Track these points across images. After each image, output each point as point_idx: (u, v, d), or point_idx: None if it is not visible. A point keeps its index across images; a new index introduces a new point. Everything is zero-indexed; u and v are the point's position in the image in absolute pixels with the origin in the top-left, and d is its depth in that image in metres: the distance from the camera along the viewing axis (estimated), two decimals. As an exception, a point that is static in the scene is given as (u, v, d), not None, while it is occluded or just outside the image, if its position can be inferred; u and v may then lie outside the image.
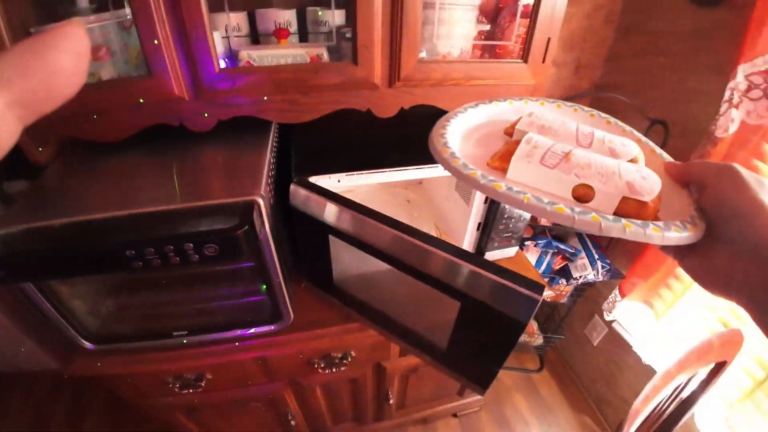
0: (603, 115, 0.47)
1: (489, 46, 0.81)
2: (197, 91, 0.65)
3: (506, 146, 0.38)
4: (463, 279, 0.55)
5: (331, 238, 0.67)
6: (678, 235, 0.29)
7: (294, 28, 0.77)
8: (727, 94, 0.85)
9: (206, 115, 0.67)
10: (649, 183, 0.32)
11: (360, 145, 0.81)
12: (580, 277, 1.30)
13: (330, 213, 0.64)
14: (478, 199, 0.81)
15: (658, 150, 0.41)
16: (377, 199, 1.05)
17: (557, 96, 1.29)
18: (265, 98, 0.68)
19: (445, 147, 0.37)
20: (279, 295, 0.69)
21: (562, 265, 1.37)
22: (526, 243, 1.32)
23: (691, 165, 0.35)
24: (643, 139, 0.43)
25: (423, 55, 0.75)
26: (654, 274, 1.14)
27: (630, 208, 0.32)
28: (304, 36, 0.79)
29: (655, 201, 0.33)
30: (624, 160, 0.37)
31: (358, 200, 0.63)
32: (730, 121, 0.85)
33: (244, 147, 0.72)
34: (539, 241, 1.31)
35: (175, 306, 0.77)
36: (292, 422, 1.08)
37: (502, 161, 0.37)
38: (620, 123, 0.46)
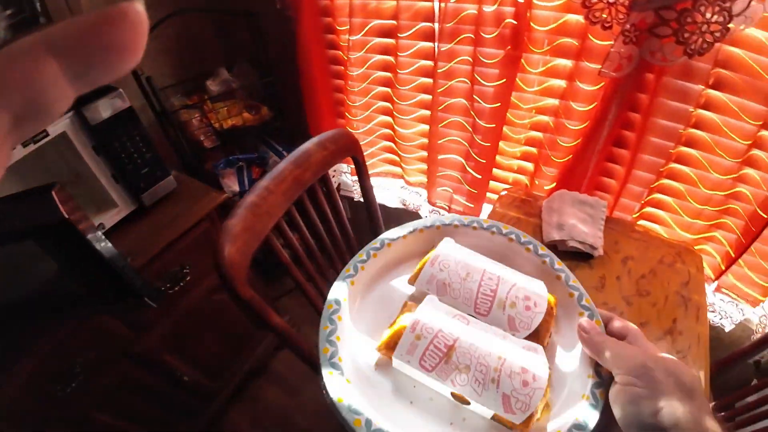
0: (523, 239, 0.46)
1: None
2: None
3: (393, 332, 0.37)
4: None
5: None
6: None
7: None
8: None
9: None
10: (528, 390, 0.31)
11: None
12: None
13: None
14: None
15: (578, 295, 0.42)
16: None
17: None
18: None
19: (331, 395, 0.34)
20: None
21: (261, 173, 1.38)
22: (222, 180, 1.33)
23: (595, 344, 0.36)
24: (564, 275, 0.43)
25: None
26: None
27: (502, 419, 0.32)
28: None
29: (528, 421, 0.31)
30: (521, 334, 0.37)
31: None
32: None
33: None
34: (221, 164, 1.32)
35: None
36: None
37: (387, 349, 0.36)
38: (540, 251, 0.45)
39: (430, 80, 1.05)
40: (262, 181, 0.77)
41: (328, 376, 0.34)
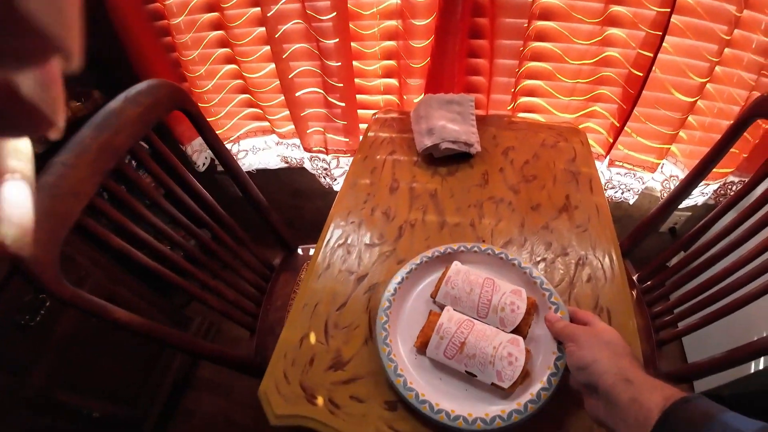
0: (510, 257, 0.64)
1: None
2: None
3: (424, 332, 0.56)
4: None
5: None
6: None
7: None
8: None
9: None
10: (512, 369, 0.50)
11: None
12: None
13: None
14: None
15: (548, 294, 0.58)
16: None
17: None
18: None
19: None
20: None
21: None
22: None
23: (561, 329, 0.51)
24: (539, 281, 0.60)
25: None
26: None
27: (497, 385, 0.51)
28: None
29: (513, 386, 0.50)
30: (507, 329, 0.55)
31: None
32: None
33: None
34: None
35: None
36: None
37: (422, 346, 0.55)
38: (523, 264, 0.63)
39: (258, 8, 0.92)
40: (58, 157, 0.61)
41: (382, 352, 0.55)
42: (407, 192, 0.79)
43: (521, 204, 0.77)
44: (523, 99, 1.01)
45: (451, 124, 0.81)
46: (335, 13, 0.86)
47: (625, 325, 0.60)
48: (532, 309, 0.57)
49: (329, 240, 0.71)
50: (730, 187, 1.08)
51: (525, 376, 0.51)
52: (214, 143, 0.82)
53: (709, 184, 1.08)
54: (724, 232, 0.75)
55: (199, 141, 1.19)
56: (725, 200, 0.77)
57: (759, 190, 0.71)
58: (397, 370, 0.53)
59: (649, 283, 0.92)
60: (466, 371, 0.53)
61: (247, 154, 1.28)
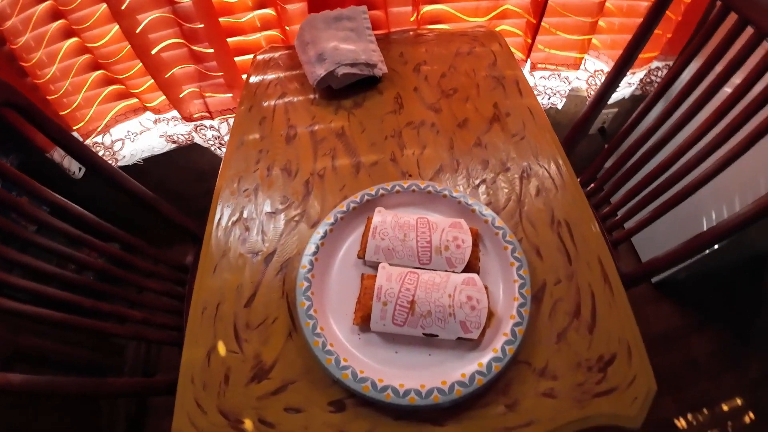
0: (439, 188, 0.53)
1: None
2: None
3: (361, 303, 0.45)
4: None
5: None
6: None
7: None
8: None
9: None
10: (477, 313, 0.42)
11: None
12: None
13: None
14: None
15: (491, 220, 0.50)
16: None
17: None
18: None
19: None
20: None
21: None
22: None
23: None
24: (477, 208, 0.51)
25: None
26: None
27: (464, 338, 0.42)
28: None
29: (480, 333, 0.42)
30: (458, 268, 0.47)
31: None
32: None
33: None
34: None
35: None
36: None
37: (363, 322, 0.44)
38: (454, 194, 0.53)
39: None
40: None
41: (314, 346, 0.42)
42: (308, 137, 0.63)
43: (446, 123, 0.64)
44: (427, 8, 0.86)
45: (344, 44, 0.65)
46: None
47: (587, 232, 0.51)
48: (477, 240, 0.49)
49: (219, 220, 0.55)
50: (655, 73, 1.04)
51: (489, 317, 0.43)
52: (59, 135, 0.62)
53: (635, 73, 1.03)
54: (656, 124, 0.69)
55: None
56: (653, 90, 0.70)
57: (686, 75, 0.63)
58: (340, 363, 0.41)
59: (592, 186, 0.86)
60: (424, 334, 0.43)
61: (123, 143, 1.03)
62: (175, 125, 1.00)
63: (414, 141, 0.62)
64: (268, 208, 0.56)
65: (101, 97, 0.92)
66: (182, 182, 1.27)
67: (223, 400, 0.43)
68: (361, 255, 0.49)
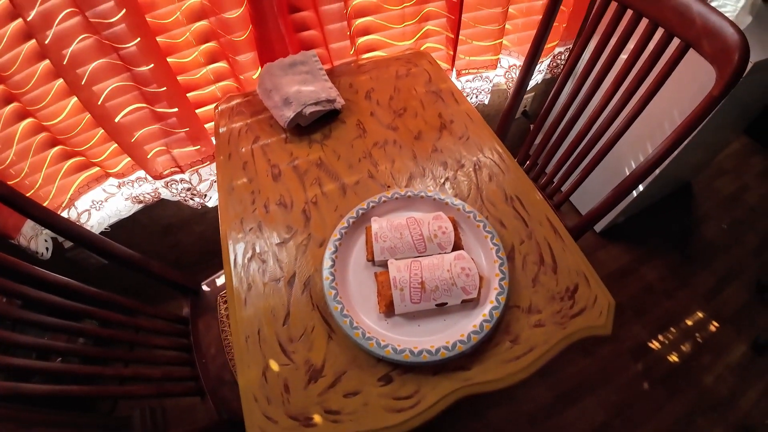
0: (416, 191, 0.66)
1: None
2: None
3: (382, 294, 0.55)
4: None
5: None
6: None
7: None
8: None
9: None
10: (472, 278, 0.54)
11: None
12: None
13: None
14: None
15: (462, 207, 0.63)
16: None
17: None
18: None
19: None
20: None
21: None
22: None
23: None
24: (449, 201, 0.64)
25: None
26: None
27: (467, 299, 0.55)
28: None
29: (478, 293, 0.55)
30: (448, 249, 0.58)
31: None
32: None
33: None
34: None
35: None
36: None
37: (387, 308, 0.54)
38: (428, 193, 0.65)
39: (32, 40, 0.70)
40: None
41: (356, 337, 0.52)
42: (292, 172, 0.72)
43: (404, 138, 0.76)
44: (362, 39, 0.98)
45: (304, 86, 0.75)
46: (124, 11, 0.69)
47: (533, 200, 0.65)
48: (456, 225, 0.62)
49: (235, 259, 0.62)
50: (559, 57, 1.25)
51: (481, 280, 0.56)
52: (44, 215, 0.64)
53: (543, 61, 1.23)
54: (569, 99, 0.85)
55: (29, 225, 0.91)
56: (561, 73, 0.87)
57: (586, 55, 0.81)
58: (381, 344, 0.51)
59: (528, 162, 1.03)
60: (436, 305, 0.54)
61: (89, 213, 1.03)
62: (140, 185, 1.02)
63: (383, 157, 0.73)
64: (276, 240, 0.64)
65: (62, 171, 0.93)
66: (149, 239, 1.27)
67: (289, 406, 0.50)
68: (370, 258, 0.59)
